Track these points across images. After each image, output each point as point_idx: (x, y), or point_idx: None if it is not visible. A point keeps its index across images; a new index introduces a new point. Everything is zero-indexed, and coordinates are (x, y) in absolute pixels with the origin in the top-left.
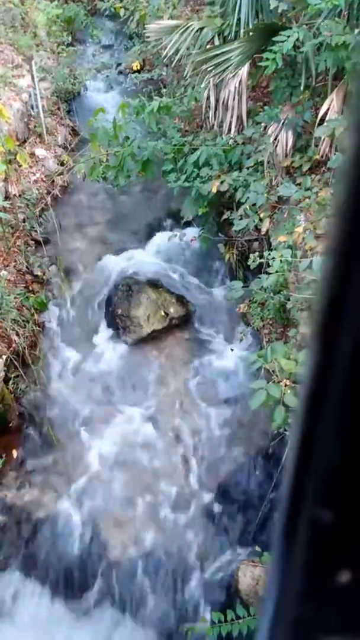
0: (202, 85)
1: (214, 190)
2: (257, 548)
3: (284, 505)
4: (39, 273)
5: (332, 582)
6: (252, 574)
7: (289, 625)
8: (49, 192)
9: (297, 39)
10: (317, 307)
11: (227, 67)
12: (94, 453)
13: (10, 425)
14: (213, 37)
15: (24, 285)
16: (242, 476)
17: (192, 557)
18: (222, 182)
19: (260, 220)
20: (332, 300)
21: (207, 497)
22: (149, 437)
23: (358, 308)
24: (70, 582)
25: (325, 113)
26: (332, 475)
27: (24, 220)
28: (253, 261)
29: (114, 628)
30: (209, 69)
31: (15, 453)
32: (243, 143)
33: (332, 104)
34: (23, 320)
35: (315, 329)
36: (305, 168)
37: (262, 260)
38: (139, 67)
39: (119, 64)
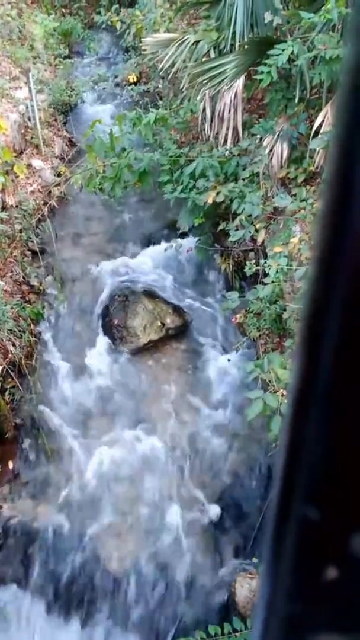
0: (198, 98)
1: (210, 201)
2: (254, 560)
3: (273, 504)
4: (36, 283)
5: (320, 579)
6: (250, 586)
7: (280, 623)
8: (45, 203)
9: (292, 53)
10: (303, 313)
11: (222, 80)
12: (89, 464)
13: (6, 436)
14: (209, 50)
15: (21, 295)
16: (238, 487)
17: (188, 570)
18: (218, 194)
19: (256, 231)
20: (316, 306)
21: (204, 508)
22: (144, 448)
23: (339, 313)
24: (65, 595)
25: (320, 125)
26: (318, 474)
27: (20, 231)
28: (249, 268)
29: None
30: (204, 82)
31: (10, 464)
32: (239, 155)
33: (326, 117)
34: (19, 331)
35: (300, 334)
36: (300, 179)
37: (258, 267)
38: (135, 80)
39: (115, 77)
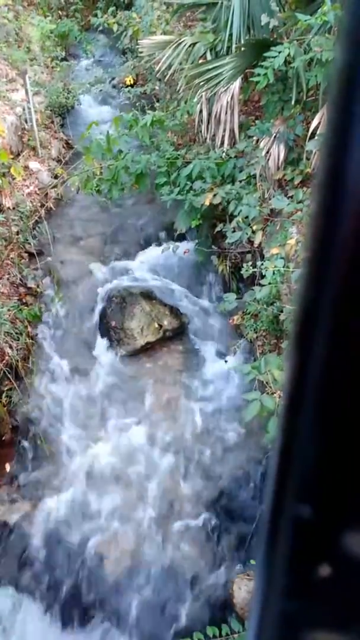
0: (195, 100)
1: (207, 203)
2: (252, 561)
3: (267, 503)
4: (33, 285)
5: (313, 576)
6: (247, 588)
7: (275, 621)
8: (42, 205)
9: (288, 55)
10: (295, 314)
11: (219, 82)
12: (87, 466)
13: (3, 438)
14: (205, 52)
15: (18, 297)
16: (236, 489)
17: (186, 572)
18: (215, 195)
19: (253, 232)
20: (307, 307)
21: (201, 510)
22: (142, 450)
23: (329, 313)
24: (63, 597)
25: (317, 127)
26: (311, 474)
27: (17, 233)
28: (246, 270)
29: None
30: (201, 84)
31: (7, 467)
32: (235, 156)
33: (322, 118)
34: (16, 333)
35: (293, 334)
36: (297, 181)
37: (255, 269)
38: (132, 82)
39: (112, 79)
